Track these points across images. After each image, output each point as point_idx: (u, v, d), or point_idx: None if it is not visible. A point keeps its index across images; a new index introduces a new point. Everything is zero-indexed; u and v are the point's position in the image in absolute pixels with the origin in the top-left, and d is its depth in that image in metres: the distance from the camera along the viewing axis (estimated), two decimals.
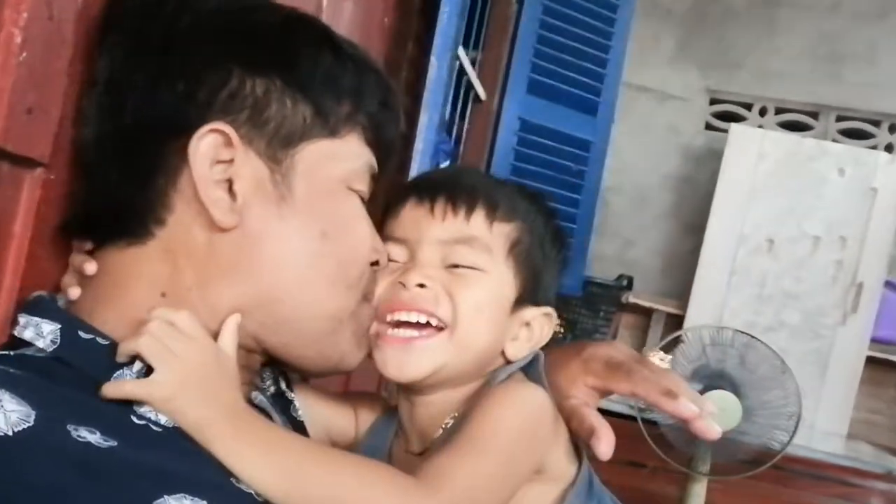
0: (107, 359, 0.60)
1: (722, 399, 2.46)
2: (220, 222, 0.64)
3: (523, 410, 0.70)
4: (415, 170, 1.46)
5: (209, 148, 0.63)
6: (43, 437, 0.51)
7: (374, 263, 0.74)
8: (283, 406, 0.78)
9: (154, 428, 0.58)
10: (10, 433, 0.50)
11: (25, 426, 0.51)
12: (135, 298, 0.64)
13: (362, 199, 0.72)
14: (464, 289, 0.74)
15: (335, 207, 0.69)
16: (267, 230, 0.65)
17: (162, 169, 0.64)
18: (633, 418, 2.66)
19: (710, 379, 2.52)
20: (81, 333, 0.61)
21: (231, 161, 0.64)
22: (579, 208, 2.82)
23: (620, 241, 3.85)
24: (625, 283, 3.47)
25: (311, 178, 0.67)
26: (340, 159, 0.69)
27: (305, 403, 0.82)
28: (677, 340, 2.95)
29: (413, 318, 0.73)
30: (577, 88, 2.78)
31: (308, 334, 0.69)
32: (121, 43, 0.65)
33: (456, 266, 0.75)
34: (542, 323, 0.79)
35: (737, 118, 3.88)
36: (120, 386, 0.59)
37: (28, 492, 0.49)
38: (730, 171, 3.63)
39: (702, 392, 2.45)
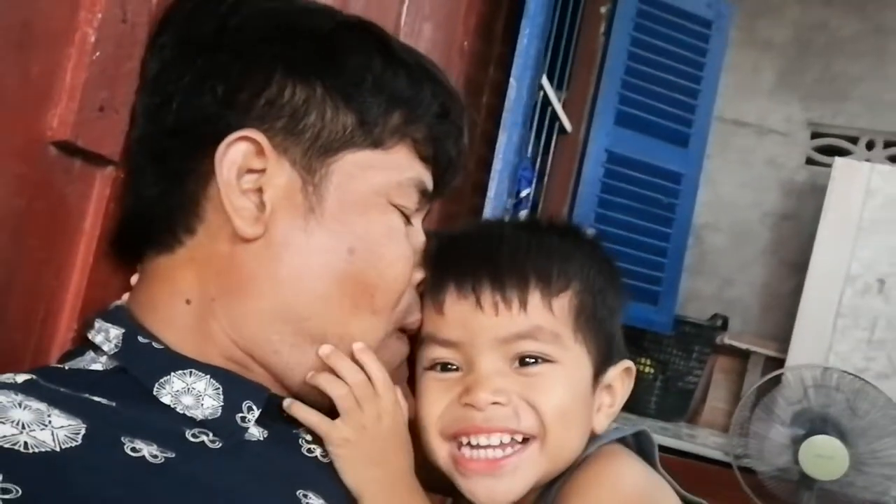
0: (157, 363, 0.60)
1: (826, 446, 2.30)
2: (242, 232, 0.62)
3: (623, 487, 0.65)
4: (493, 190, 1.43)
5: (238, 156, 0.61)
6: (92, 453, 0.50)
7: (419, 284, 0.69)
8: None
9: (210, 444, 0.57)
10: (59, 449, 0.49)
11: (73, 444, 0.50)
12: (166, 306, 0.63)
13: (406, 216, 0.67)
14: (543, 392, 0.66)
15: (368, 223, 0.64)
16: (290, 242, 0.62)
17: (194, 175, 0.62)
18: (728, 465, 2.52)
19: (813, 423, 2.36)
20: (140, 338, 0.61)
21: (263, 170, 0.62)
22: (670, 242, 2.72)
23: (718, 279, 3.70)
24: (719, 322, 3.32)
25: (345, 190, 0.63)
26: (381, 171, 0.65)
27: None
28: (777, 381, 2.80)
29: (495, 440, 0.65)
30: (667, 120, 2.70)
31: (313, 356, 0.65)
32: (170, 43, 0.65)
33: (524, 363, 0.67)
34: (622, 380, 0.72)
35: (840, 152, 3.69)
36: (305, 411, 0.63)
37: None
38: (834, 206, 3.45)
39: (804, 438, 2.30)
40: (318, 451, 0.63)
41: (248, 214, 0.62)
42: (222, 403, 0.59)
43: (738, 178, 3.70)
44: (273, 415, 0.62)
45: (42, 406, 0.51)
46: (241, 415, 0.59)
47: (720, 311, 3.52)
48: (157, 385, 0.59)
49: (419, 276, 0.69)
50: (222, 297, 0.62)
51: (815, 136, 3.77)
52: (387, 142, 0.65)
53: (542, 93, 2.20)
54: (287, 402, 0.63)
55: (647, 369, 3.17)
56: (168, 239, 0.63)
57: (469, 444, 0.66)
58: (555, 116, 2.45)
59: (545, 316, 0.67)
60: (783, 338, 3.37)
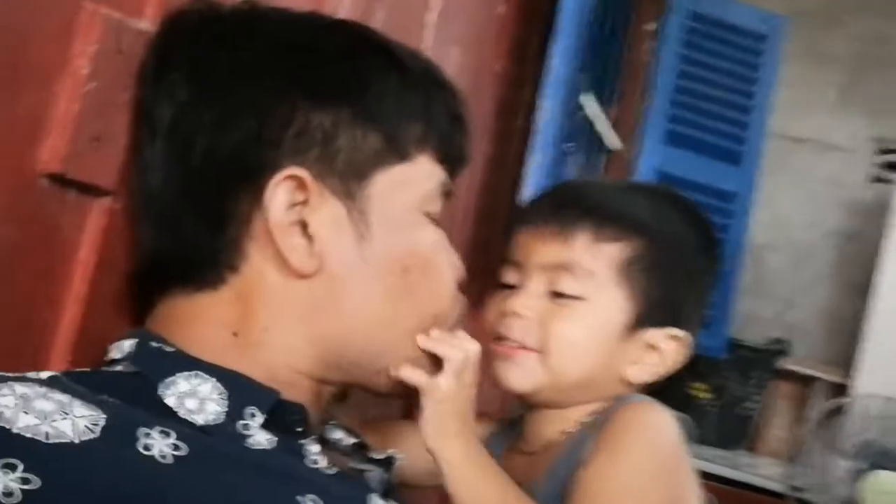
0: (165, 364, 0.59)
1: (890, 482, 2.20)
2: (301, 270, 0.61)
3: (656, 438, 0.70)
4: None
5: (284, 193, 0.60)
6: (108, 446, 0.51)
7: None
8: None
9: (234, 447, 0.57)
10: (77, 441, 0.50)
11: (92, 436, 0.50)
12: (204, 338, 0.61)
13: (436, 221, 0.67)
14: (559, 321, 0.74)
15: (414, 238, 0.65)
16: (350, 273, 0.62)
17: (234, 216, 0.61)
18: (782, 495, 2.43)
19: (876, 458, 2.26)
20: (153, 343, 0.61)
21: (305, 202, 0.61)
22: (723, 264, 2.64)
23: (778, 302, 3.58)
24: (780, 347, 3.21)
25: (386, 211, 0.64)
26: (414, 184, 0.65)
27: None
28: (839, 410, 2.68)
29: (512, 343, 0.75)
30: (718, 137, 2.63)
31: (384, 369, 0.67)
32: (182, 82, 0.62)
33: (558, 294, 0.74)
34: (670, 346, 0.75)
35: None
36: (414, 371, 0.66)
37: (89, 501, 0.49)
38: None
39: (866, 471, 2.19)
40: (322, 463, 0.61)
41: (302, 251, 0.61)
42: (226, 409, 0.58)
43: (797, 197, 3.59)
44: (283, 424, 0.60)
45: (65, 398, 0.52)
46: (243, 422, 0.58)
47: (781, 335, 3.40)
48: (161, 385, 0.58)
49: (458, 275, 0.70)
50: (275, 328, 0.62)
51: (880, 152, 3.64)
52: (412, 154, 0.65)
53: (580, 112, 2.17)
54: (421, 338, 0.66)
55: (702, 394, 3.08)
56: (211, 278, 0.62)
57: (499, 337, 0.76)
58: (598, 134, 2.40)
59: (585, 254, 0.74)
60: (848, 363, 3.24)
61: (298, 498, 0.56)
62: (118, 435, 0.51)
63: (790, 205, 3.57)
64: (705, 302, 0.81)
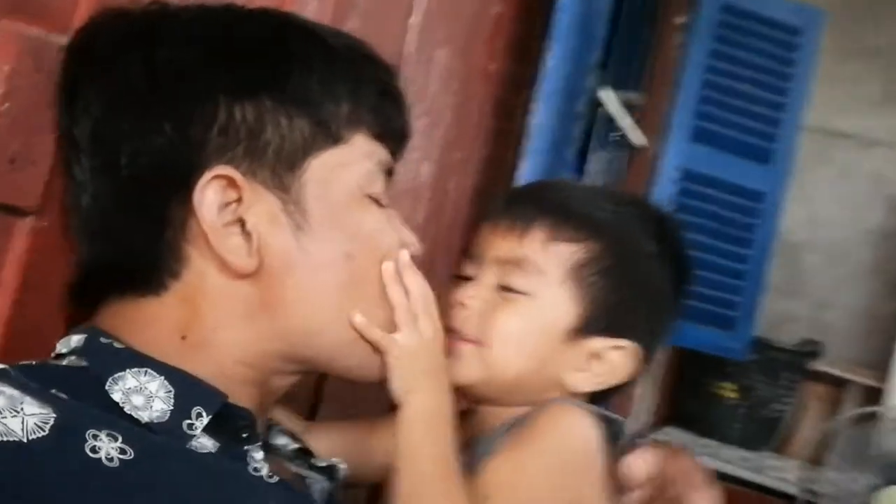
0: (115, 359, 0.59)
1: None
2: (241, 269, 0.61)
3: (565, 440, 0.69)
4: None
5: (214, 196, 0.60)
6: (56, 446, 0.51)
7: None
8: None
9: (168, 443, 0.57)
10: (26, 440, 0.50)
11: (41, 434, 0.50)
12: (154, 340, 0.61)
13: (378, 201, 0.67)
14: (501, 314, 0.73)
15: (356, 223, 0.64)
16: (289, 266, 0.62)
17: (169, 222, 0.61)
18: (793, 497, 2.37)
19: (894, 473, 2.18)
20: (102, 339, 0.61)
21: (239, 200, 0.61)
22: (748, 264, 2.57)
23: (812, 301, 3.49)
24: (810, 348, 3.12)
25: (324, 197, 0.63)
26: (350, 165, 0.64)
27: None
28: (871, 416, 2.60)
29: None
30: (748, 135, 2.56)
31: (351, 354, 0.66)
32: (94, 96, 0.62)
33: (506, 289, 0.74)
34: (616, 357, 0.74)
35: None
36: (370, 328, 0.64)
37: (35, 501, 0.49)
38: None
39: (881, 486, 2.12)
40: (264, 471, 0.60)
41: (240, 251, 0.60)
42: (171, 407, 0.58)
43: (836, 194, 3.48)
44: (228, 429, 0.60)
45: (16, 393, 0.52)
46: (188, 421, 0.58)
47: (815, 336, 3.31)
48: (109, 381, 0.58)
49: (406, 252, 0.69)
50: (225, 327, 0.62)
51: None
52: (344, 135, 0.64)
53: (601, 109, 2.12)
54: (359, 318, 0.64)
55: (728, 394, 3.01)
56: (153, 284, 0.62)
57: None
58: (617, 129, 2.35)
59: (537, 252, 0.74)
60: (884, 365, 3.14)
61: None
62: (67, 436, 0.51)
63: (828, 202, 3.46)
64: (662, 316, 0.78)
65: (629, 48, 2.32)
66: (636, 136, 2.45)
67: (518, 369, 0.74)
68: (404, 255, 0.67)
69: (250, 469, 0.60)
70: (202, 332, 0.61)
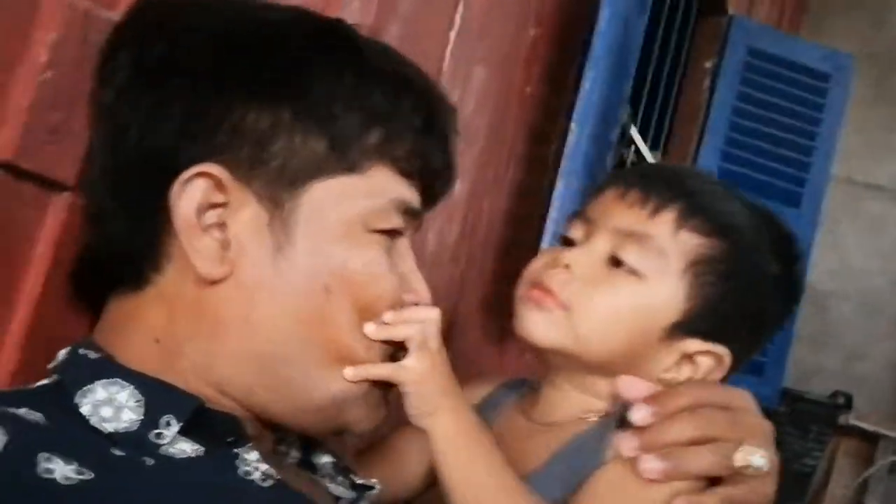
0: (86, 371, 0.56)
1: None
2: (205, 273, 0.57)
3: None
4: (546, 242, 1.35)
5: (197, 192, 0.56)
6: (5, 468, 0.48)
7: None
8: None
9: (147, 461, 0.53)
10: None
11: None
12: (134, 345, 0.59)
13: (391, 236, 0.62)
14: (602, 287, 0.69)
15: (343, 257, 0.59)
16: (260, 283, 0.58)
17: (156, 212, 0.57)
18: None
19: None
20: (80, 350, 0.58)
21: (226, 205, 0.57)
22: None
23: (844, 353, 3.42)
24: (841, 400, 3.04)
25: (317, 222, 0.58)
26: (358, 198, 0.59)
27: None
28: None
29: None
30: (776, 179, 2.53)
31: (310, 401, 0.61)
32: (123, 66, 0.60)
33: (618, 263, 0.69)
34: (706, 362, 0.69)
35: None
36: (367, 369, 0.60)
37: None
38: None
39: None
40: (256, 475, 0.56)
41: (210, 254, 0.57)
42: (141, 417, 0.55)
43: (869, 245, 3.44)
44: (210, 433, 0.56)
45: None
46: (157, 430, 0.54)
47: (847, 388, 3.23)
48: (79, 393, 0.55)
49: (410, 299, 0.63)
50: (193, 340, 0.58)
51: None
52: (363, 165, 0.59)
53: (633, 148, 2.10)
54: (349, 372, 0.60)
55: None
56: (135, 277, 0.59)
57: (532, 285, 0.72)
58: None
59: (665, 233, 0.69)
60: None
61: None
62: (16, 458, 0.48)
63: (860, 252, 3.42)
64: (763, 336, 0.74)
65: (653, 90, 2.31)
66: None
67: (604, 349, 0.69)
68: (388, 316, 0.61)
69: (240, 472, 0.56)
70: (175, 339, 0.58)
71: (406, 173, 0.61)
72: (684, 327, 0.69)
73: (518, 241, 1.45)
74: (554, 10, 1.42)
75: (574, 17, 1.48)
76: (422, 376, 0.62)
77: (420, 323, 0.62)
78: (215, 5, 0.61)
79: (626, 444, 0.61)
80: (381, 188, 0.60)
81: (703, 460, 0.60)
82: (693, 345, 0.70)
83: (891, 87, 3.46)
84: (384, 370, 0.62)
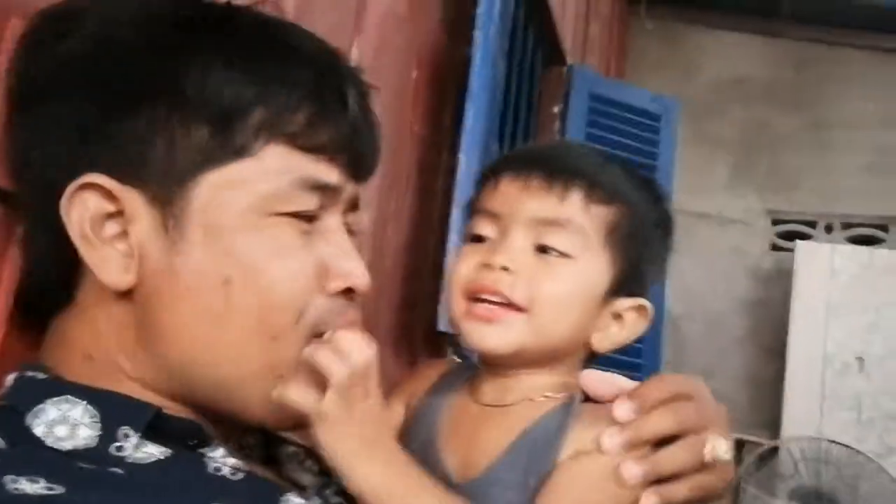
0: (34, 392, 0.55)
1: None
2: (109, 283, 0.56)
3: None
4: (448, 270, 1.43)
5: (86, 206, 0.55)
6: None
7: (348, 290, 0.61)
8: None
9: (116, 470, 0.52)
10: None
11: None
12: (71, 366, 0.58)
13: (307, 217, 0.59)
14: (547, 278, 0.72)
15: (245, 245, 0.57)
16: (160, 288, 0.56)
17: (62, 229, 0.56)
18: None
19: (806, 499, 2.30)
20: (28, 373, 0.57)
21: (121, 213, 0.56)
22: (643, 343, 2.71)
23: (697, 370, 3.67)
24: None
25: (212, 214, 0.56)
26: (254, 182, 0.57)
27: None
28: (770, 456, 2.72)
29: (494, 299, 0.72)
30: None
31: (248, 395, 0.59)
32: (12, 90, 0.59)
33: (545, 250, 0.72)
34: (632, 316, 0.74)
35: (803, 236, 3.77)
36: (288, 395, 0.58)
37: None
38: (802, 289, 3.49)
39: None
40: (226, 470, 0.56)
41: (113, 265, 0.56)
42: (99, 432, 0.53)
43: (705, 269, 3.75)
44: (173, 437, 0.56)
45: None
46: (117, 444, 0.53)
47: None
48: (29, 415, 0.53)
49: (338, 283, 0.60)
50: (123, 351, 0.58)
51: (775, 222, 3.86)
52: (252, 147, 0.57)
53: None
54: (274, 393, 0.58)
55: None
56: (62, 297, 0.59)
57: (477, 299, 0.72)
58: None
59: (579, 213, 0.73)
60: (773, 424, 3.33)
61: None
62: None
63: (699, 277, 3.72)
64: (658, 277, 0.80)
65: (512, 136, 2.48)
66: None
67: (563, 334, 0.73)
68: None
69: (209, 469, 0.56)
70: (107, 353, 0.57)
71: (307, 148, 0.58)
72: (614, 291, 0.74)
73: (415, 269, 1.52)
74: (431, 55, 1.54)
75: (448, 60, 1.59)
76: (338, 420, 0.58)
77: (348, 363, 0.58)
78: (92, 9, 0.59)
79: (610, 441, 0.63)
80: (278, 168, 0.57)
81: (678, 459, 0.63)
82: (623, 303, 0.75)
83: (704, 129, 3.84)
84: (302, 400, 0.58)
